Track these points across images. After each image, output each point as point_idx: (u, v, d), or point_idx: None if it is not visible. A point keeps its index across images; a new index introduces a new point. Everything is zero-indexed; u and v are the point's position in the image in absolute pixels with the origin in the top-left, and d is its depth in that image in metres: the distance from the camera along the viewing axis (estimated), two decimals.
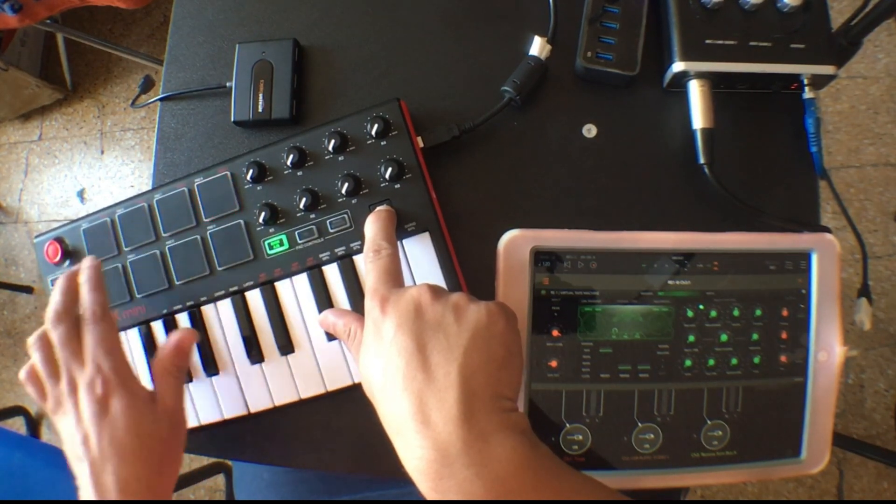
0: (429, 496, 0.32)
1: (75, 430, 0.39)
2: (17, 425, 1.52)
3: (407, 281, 0.44)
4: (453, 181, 0.48)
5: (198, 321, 0.47)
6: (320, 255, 0.45)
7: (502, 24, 0.50)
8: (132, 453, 0.38)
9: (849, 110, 1.32)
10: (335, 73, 0.51)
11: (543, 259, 0.44)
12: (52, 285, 0.50)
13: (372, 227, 0.42)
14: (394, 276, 0.38)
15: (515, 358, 0.35)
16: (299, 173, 0.46)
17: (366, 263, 0.40)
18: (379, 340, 0.35)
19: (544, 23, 0.49)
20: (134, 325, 0.48)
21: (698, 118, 0.46)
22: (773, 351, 0.45)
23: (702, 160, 0.45)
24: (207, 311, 0.47)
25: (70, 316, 0.42)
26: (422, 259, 0.44)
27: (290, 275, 0.46)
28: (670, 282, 0.44)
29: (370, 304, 0.37)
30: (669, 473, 0.44)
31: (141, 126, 1.64)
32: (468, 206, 0.48)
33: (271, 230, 0.46)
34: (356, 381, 0.45)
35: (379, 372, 0.34)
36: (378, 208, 0.44)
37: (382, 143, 0.45)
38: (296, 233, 0.46)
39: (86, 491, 0.38)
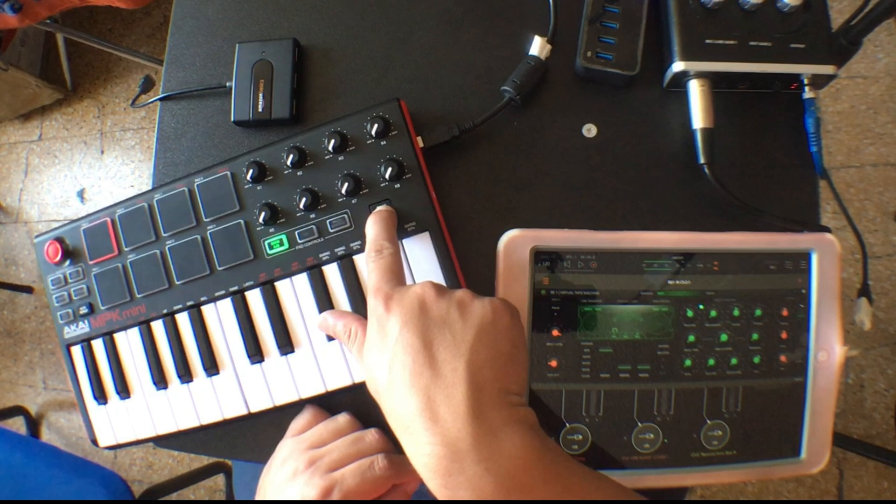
0: (438, 493, 0.32)
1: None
2: (17, 425, 1.52)
3: (407, 281, 0.44)
4: (453, 181, 0.48)
5: (198, 321, 0.47)
6: (320, 255, 0.45)
7: (502, 24, 0.50)
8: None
9: (849, 110, 1.32)
10: (335, 73, 0.51)
11: (543, 259, 0.44)
12: (53, 285, 0.50)
13: (373, 227, 0.42)
14: (396, 275, 0.38)
15: (521, 353, 0.36)
16: (299, 173, 0.46)
17: (368, 263, 0.40)
18: (384, 338, 0.35)
19: (544, 23, 0.49)
20: (134, 325, 0.48)
21: (698, 118, 0.46)
22: (773, 351, 0.45)
23: (702, 160, 0.45)
24: (207, 311, 0.47)
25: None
26: (422, 259, 0.44)
27: (290, 275, 0.46)
28: (670, 282, 0.44)
29: (373, 302, 0.37)
30: (669, 473, 0.44)
31: (141, 126, 1.64)
32: (468, 206, 0.48)
33: (271, 230, 0.46)
34: (356, 381, 0.45)
35: (384, 369, 0.34)
36: (378, 208, 0.44)
37: (382, 143, 0.45)
38: (296, 233, 0.46)
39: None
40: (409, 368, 0.33)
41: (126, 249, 0.48)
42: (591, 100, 0.49)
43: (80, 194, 1.65)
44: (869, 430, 1.21)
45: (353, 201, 0.45)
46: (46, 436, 1.56)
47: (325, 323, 0.42)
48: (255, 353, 0.46)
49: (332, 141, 0.45)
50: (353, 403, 0.46)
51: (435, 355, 0.33)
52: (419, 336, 0.34)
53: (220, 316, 0.47)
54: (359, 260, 0.45)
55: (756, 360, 0.45)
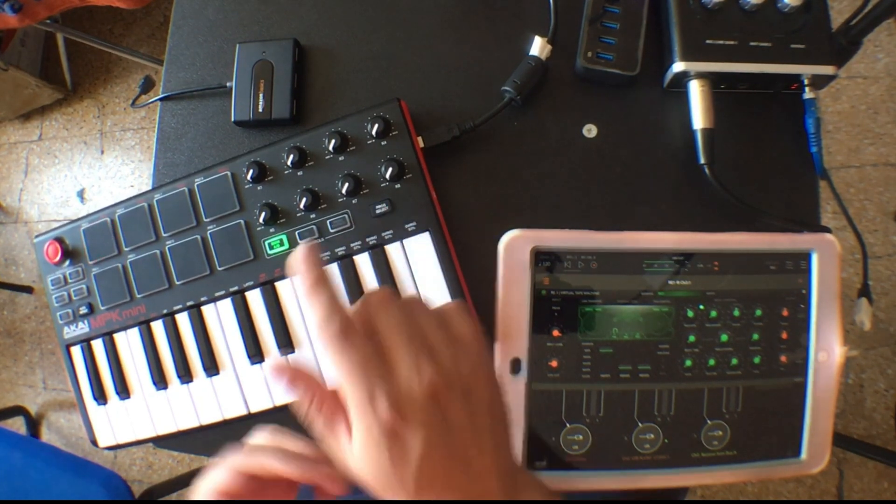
0: None
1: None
2: (17, 425, 1.52)
3: (407, 281, 0.44)
4: (453, 181, 0.48)
5: (198, 321, 0.47)
6: (320, 256, 0.45)
7: (502, 24, 0.50)
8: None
9: (849, 110, 1.32)
10: (335, 73, 0.51)
11: (544, 259, 0.44)
12: (53, 285, 0.50)
13: (317, 293, 0.33)
14: (380, 361, 0.31)
15: (508, 415, 0.35)
16: (299, 173, 0.46)
17: (329, 348, 0.32)
18: (403, 455, 0.30)
19: (544, 23, 0.49)
20: (134, 325, 0.48)
21: (698, 118, 0.46)
22: (773, 351, 0.45)
23: (702, 160, 0.45)
24: (208, 311, 0.47)
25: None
26: (422, 259, 0.44)
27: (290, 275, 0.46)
28: (670, 282, 0.44)
29: (363, 402, 0.30)
30: (669, 473, 0.44)
31: (141, 126, 1.64)
32: (468, 206, 0.48)
33: (271, 230, 0.46)
34: None
35: (410, 487, 0.30)
36: (301, 250, 0.34)
37: (383, 143, 0.45)
38: (296, 233, 0.46)
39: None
40: (442, 480, 0.30)
41: (126, 249, 0.48)
42: (591, 100, 0.49)
43: (80, 194, 1.65)
44: (869, 430, 1.21)
45: (353, 201, 0.45)
46: (46, 436, 1.55)
47: (281, 376, 0.34)
48: (256, 353, 0.46)
49: (333, 141, 0.45)
50: None
51: (468, 461, 0.31)
52: (446, 448, 0.30)
53: (220, 316, 0.47)
54: (359, 260, 0.45)
55: (756, 360, 0.45)
